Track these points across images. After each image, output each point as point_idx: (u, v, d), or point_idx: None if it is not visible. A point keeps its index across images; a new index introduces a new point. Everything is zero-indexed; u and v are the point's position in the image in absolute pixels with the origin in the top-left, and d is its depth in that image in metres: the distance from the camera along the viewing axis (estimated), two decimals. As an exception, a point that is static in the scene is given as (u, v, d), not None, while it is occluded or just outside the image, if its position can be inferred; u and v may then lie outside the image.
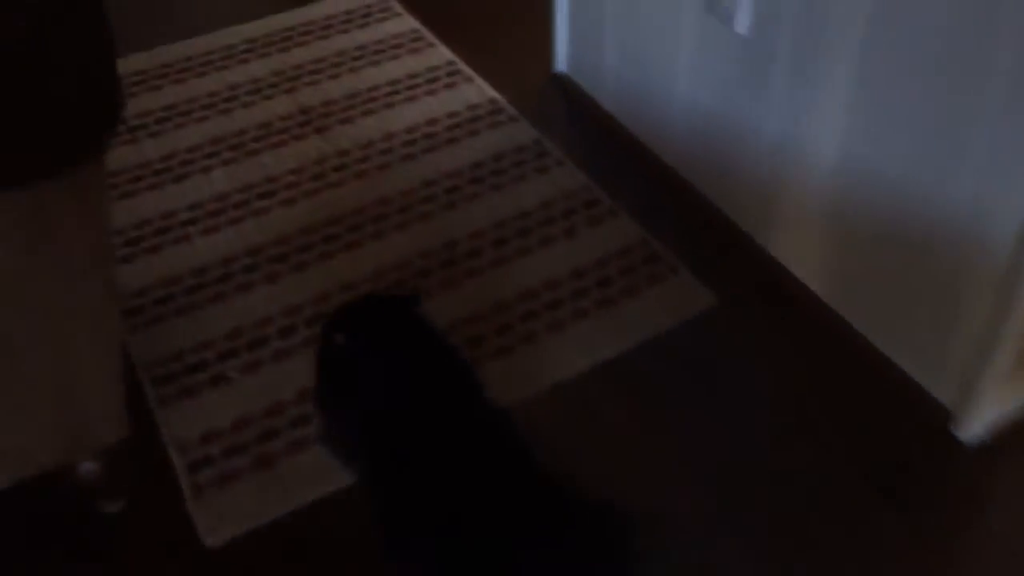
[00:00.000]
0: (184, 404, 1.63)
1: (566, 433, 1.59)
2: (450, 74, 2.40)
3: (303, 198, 2.05)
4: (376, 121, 2.25)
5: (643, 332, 1.74)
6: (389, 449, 1.22)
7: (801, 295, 1.78)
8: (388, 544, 1.18)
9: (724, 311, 1.79)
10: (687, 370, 1.69)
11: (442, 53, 2.47)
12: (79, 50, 1.01)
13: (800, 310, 1.78)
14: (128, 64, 2.45)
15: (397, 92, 2.34)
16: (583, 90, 2.28)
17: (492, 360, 1.70)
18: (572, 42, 2.29)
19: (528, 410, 1.62)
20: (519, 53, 2.48)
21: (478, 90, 2.34)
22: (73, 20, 0.99)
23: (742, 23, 1.63)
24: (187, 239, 1.96)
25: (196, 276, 1.87)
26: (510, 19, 2.61)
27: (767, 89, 1.67)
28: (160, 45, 2.53)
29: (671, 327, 1.76)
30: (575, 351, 1.71)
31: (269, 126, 2.25)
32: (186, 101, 2.34)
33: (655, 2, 1.90)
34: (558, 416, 1.62)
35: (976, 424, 1.53)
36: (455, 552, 1.10)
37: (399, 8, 2.65)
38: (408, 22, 2.59)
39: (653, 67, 1.98)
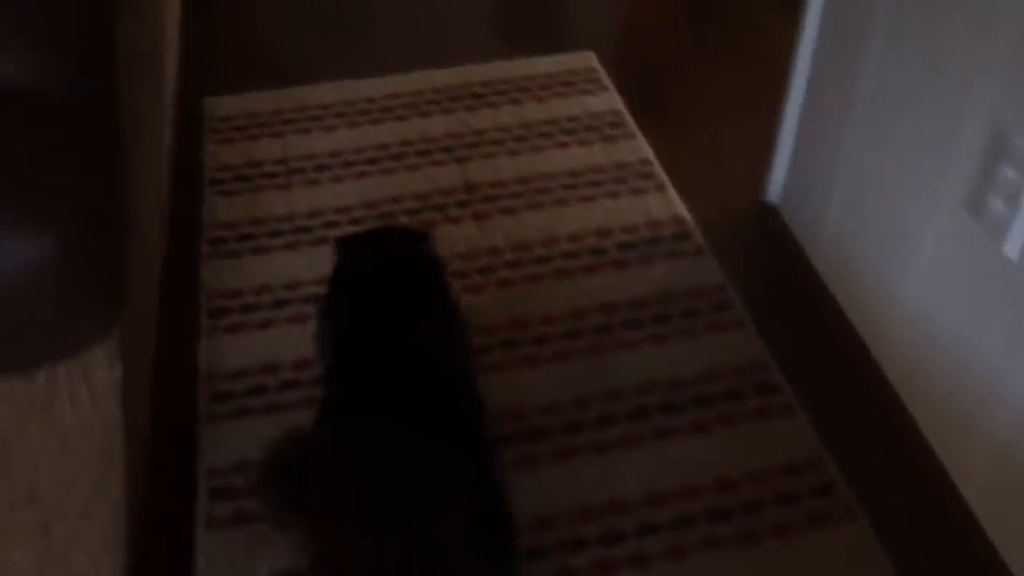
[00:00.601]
0: (229, 533, 1.44)
1: None
2: (641, 176, 2.07)
3: (435, 299, 1.81)
4: (542, 219, 1.96)
5: (786, 592, 1.36)
6: (345, 368, 1.26)
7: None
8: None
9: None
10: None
11: (639, 147, 2.14)
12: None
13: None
14: (312, 94, 2.31)
15: (575, 187, 2.04)
16: (793, 234, 1.88)
17: (586, 578, 1.38)
18: (792, 173, 1.89)
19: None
20: (728, 166, 2.11)
21: (667, 203, 2.00)
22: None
23: (1014, 244, 1.20)
24: (302, 320, 1.77)
25: (296, 370, 1.67)
26: (729, 122, 2.23)
27: (1030, 332, 1.23)
28: (350, 78, 2.37)
29: (825, 596, 1.36)
30: (692, 595, 1.36)
31: (427, 199, 2.02)
32: (353, 150, 2.16)
33: (905, 175, 1.48)
34: None
35: None
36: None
37: (607, 81, 2.34)
38: (612, 100, 2.28)
39: (886, 244, 1.57)
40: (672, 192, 2.02)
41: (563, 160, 2.11)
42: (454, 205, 2.01)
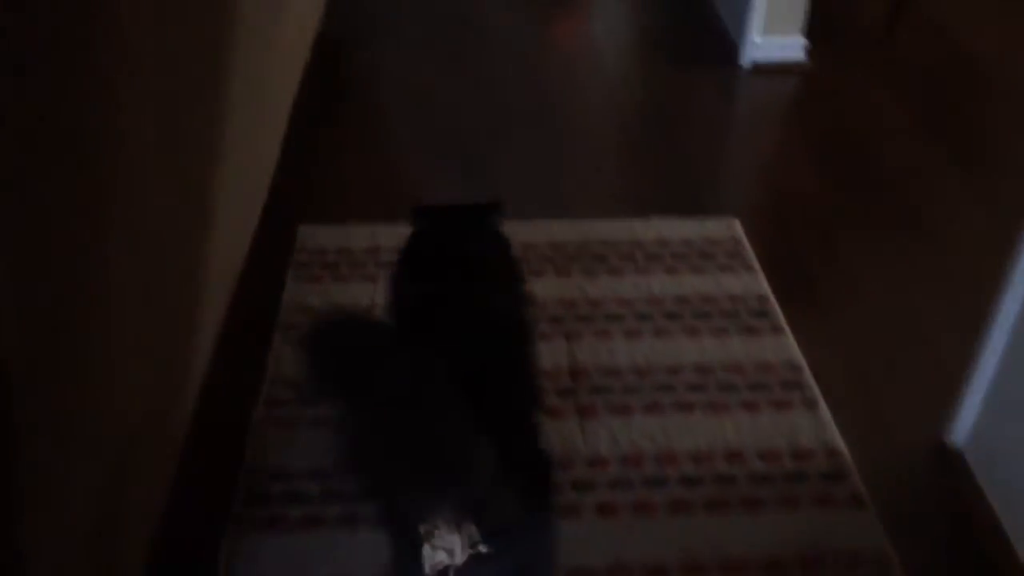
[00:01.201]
0: None
1: None
2: (786, 385, 1.69)
3: (516, 516, 1.47)
4: (658, 426, 1.61)
5: None
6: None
7: None
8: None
9: None
10: None
11: (786, 348, 1.77)
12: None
13: None
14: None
15: (703, 388, 1.68)
16: (982, 491, 1.45)
17: None
18: (989, 411, 1.48)
19: None
20: (899, 387, 1.70)
21: (817, 427, 1.61)
22: None
23: None
24: (350, 524, 1.46)
25: (332, 589, 1.36)
26: (904, 329, 1.84)
27: None
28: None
29: None
30: None
31: (524, 381, 1.71)
32: (448, 307, 1.88)
33: None
34: None
35: None
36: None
37: (751, 258, 2.00)
38: (756, 283, 1.93)
39: None
40: (825, 411, 1.64)
41: (692, 351, 1.76)
42: (555, 393, 1.68)
